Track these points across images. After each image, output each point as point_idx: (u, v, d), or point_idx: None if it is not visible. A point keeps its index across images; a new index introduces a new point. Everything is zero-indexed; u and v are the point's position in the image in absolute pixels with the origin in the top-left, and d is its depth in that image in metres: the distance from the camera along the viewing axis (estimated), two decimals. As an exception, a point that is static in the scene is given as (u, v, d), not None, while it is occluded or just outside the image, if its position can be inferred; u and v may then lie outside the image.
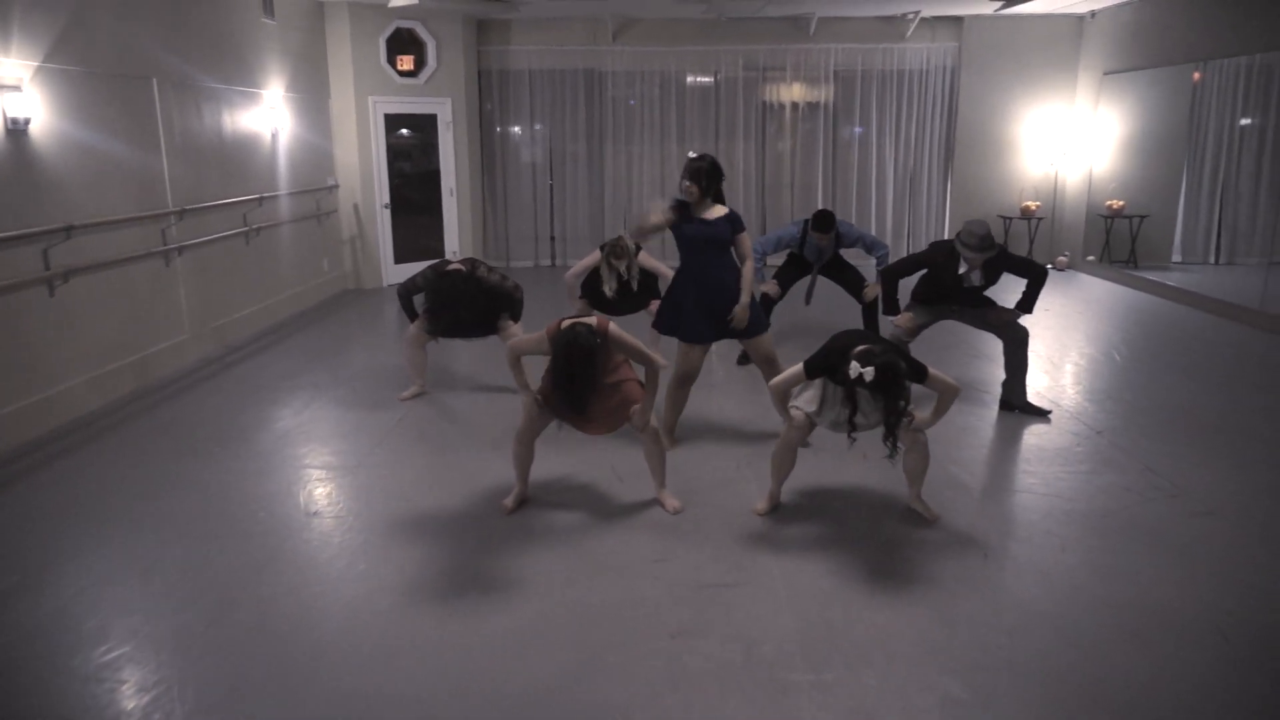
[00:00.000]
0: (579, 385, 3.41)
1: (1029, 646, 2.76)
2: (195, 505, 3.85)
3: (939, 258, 4.88)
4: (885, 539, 3.50)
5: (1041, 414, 4.95)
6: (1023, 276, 4.84)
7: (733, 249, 4.28)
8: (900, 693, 2.54)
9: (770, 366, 4.37)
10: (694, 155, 4.26)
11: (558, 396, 3.50)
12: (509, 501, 3.78)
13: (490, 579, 3.21)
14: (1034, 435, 4.68)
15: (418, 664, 2.71)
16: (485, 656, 2.74)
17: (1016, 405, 5.01)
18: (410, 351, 5.37)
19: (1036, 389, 5.40)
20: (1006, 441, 4.64)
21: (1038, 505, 3.81)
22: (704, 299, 4.26)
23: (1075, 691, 2.55)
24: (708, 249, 4.23)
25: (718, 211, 4.25)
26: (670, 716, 2.46)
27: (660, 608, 3.00)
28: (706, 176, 4.18)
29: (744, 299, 4.23)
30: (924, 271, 4.97)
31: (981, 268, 4.79)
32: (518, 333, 5.25)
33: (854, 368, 3.19)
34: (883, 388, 3.19)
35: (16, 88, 4.60)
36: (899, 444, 3.35)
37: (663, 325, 4.43)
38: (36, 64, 4.75)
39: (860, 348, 3.24)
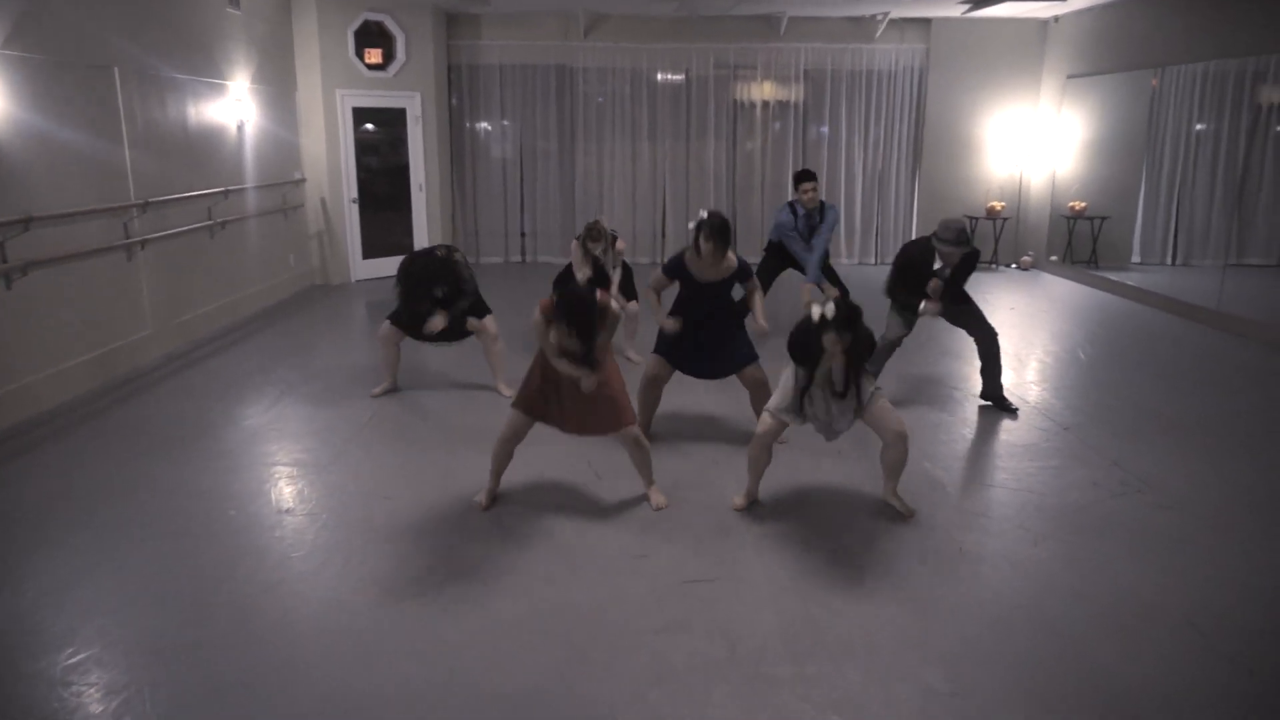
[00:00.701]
0: (584, 335, 3.39)
1: (1007, 638, 2.81)
2: (163, 504, 3.76)
3: (914, 253, 4.95)
4: (863, 534, 3.53)
5: (1009, 410, 5.04)
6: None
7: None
8: (882, 684, 2.56)
9: (761, 390, 4.35)
10: (706, 214, 4.13)
11: (569, 349, 3.47)
12: (481, 498, 3.75)
13: (469, 577, 3.18)
14: (1004, 431, 4.76)
15: (397, 664, 2.67)
16: (467, 655, 2.71)
17: (990, 398, 5.11)
18: (383, 349, 5.30)
19: (1005, 386, 5.48)
20: (977, 437, 4.70)
21: (1010, 500, 3.87)
22: (702, 338, 4.29)
23: (1054, 680, 2.59)
24: (715, 305, 4.28)
25: (729, 263, 4.19)
26: (656, 712, 2.46)
27: (643, 604, 2.99)
28: (720, 233, 4.07)
29: (763, 324, 4.27)
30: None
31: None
32: (490, 327, 5.21)
33: (814, 310, 3.36)
34: (841, 322, 3.31)
35: (-27, 74, 4.45)
36: (862, 401, 3.50)
37: (659, 345, 4.40)
38: (-6, 50, 4.61)
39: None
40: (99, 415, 4.90)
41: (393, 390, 5.36)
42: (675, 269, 4.23)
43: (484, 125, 10.26)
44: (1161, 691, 2.55)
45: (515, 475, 4.03)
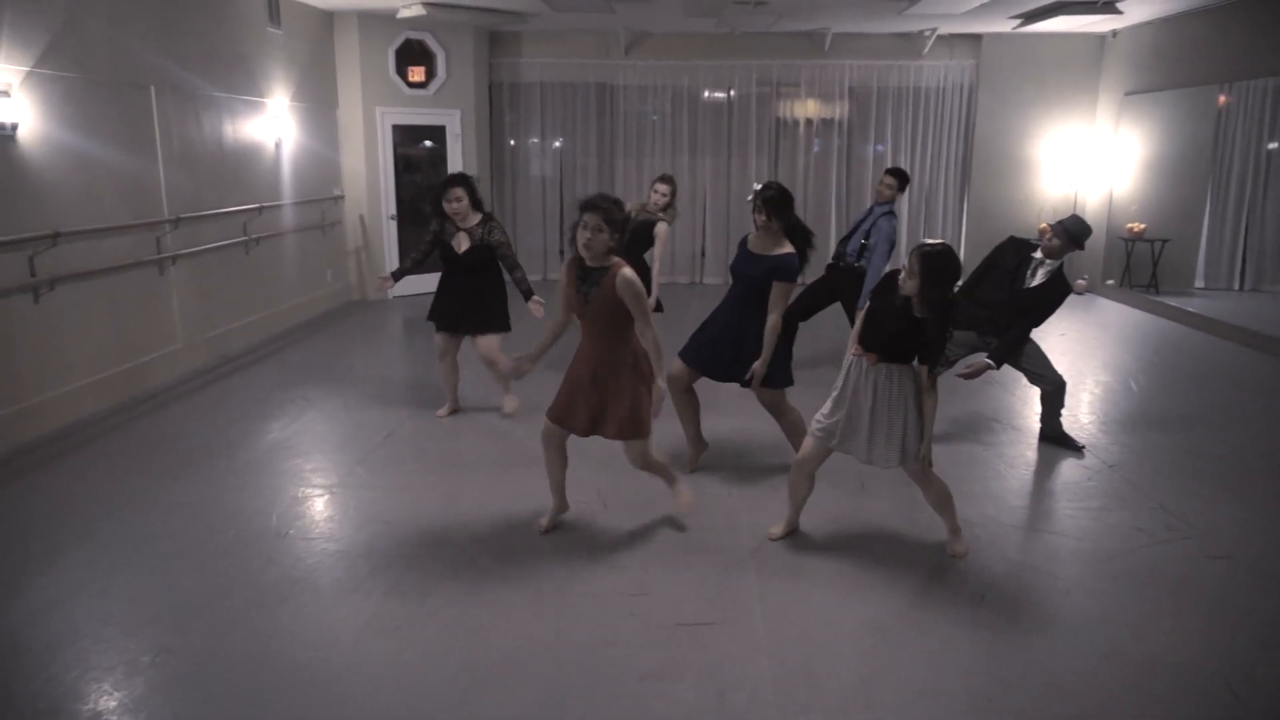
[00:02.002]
0: (613, 226, 3.18)
1: (1024, 699, 2.57)
2: (164, 522, 3.73)
3: (1008, 258, 4.56)
4: (879, 577, 3.30)
5: (1074, 448, 4.70)
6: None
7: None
8: (880, 750, 2.36)
9: (775, 414, 4.19)
10: (762, 185, 3.98)
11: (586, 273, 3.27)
12: (543, 521, 3.66)
13: (455, 611, 3.05)
14: (1044, 469, 4.48)
15: (367, 698, 2.55)
16: (440, 695, 2.58)
17: (1049, 435, 4.78)
18: (441, 368, 5.16)
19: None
20: (1015, 475, 4.43)
21: (1042, 544, 3.61)
22: (722, 335, 4.09)
23: (1071, 754, 2.36)
24: (749, 290, 3.97)
25: (783, 248, 3.92)
26: (630, 769, 2.29)
27: (632, 648, 2.83)
28: (775, 206, 3.86)
29: (764, 355, 3.93)
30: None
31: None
32: (494, 345, 4.99)
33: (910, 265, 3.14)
34: (931, 269, 3.10)
35: (4, 93, 4.53)
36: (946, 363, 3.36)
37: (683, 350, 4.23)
38: (27, 69, 4.69)
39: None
40: (117, 431, 4.93)
41: (456, 411, 5.23)
42: (741, 254, 4.05)
43: (524, 143, 10.26)
44: (1194, 770, 2.30)
45: (519, 503, 3.91)
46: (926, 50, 9.67)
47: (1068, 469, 4.44)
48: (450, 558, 3.44)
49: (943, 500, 3.42)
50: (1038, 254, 4.51)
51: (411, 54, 8.88)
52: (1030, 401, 5.57)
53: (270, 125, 7.25)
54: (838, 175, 10.07)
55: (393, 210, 9.03)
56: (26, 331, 4.72)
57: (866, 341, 3.25)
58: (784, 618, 3.01)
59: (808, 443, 3.44)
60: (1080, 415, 5.33)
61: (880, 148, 10.06)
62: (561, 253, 10.43)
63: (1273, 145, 7.99)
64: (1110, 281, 9.40)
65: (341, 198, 8.71)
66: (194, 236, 6.19)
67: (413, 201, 9.21)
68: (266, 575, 3.29)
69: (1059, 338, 7.53)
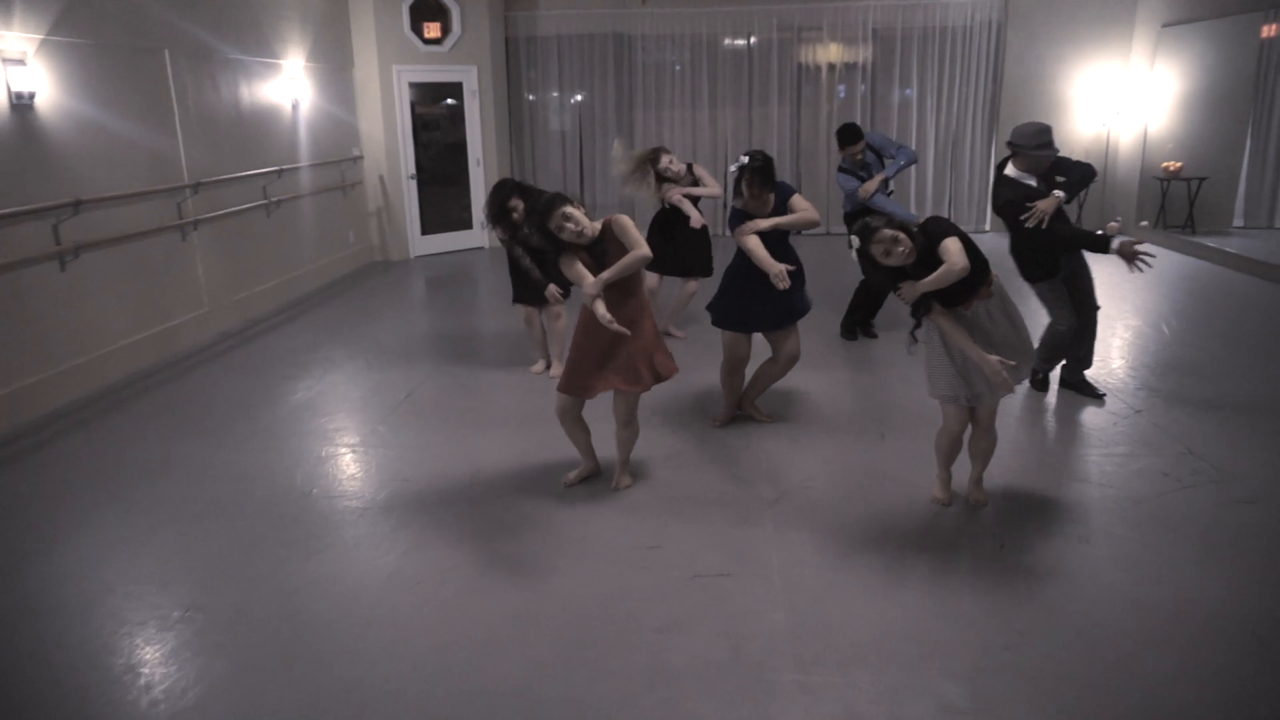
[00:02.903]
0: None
1: (1040, 649, 2.56)
2: (192, 483, 3.81)
3: (1022, 190, 4.23)
4: (898, 528, 3.29)
5: (1095, 394, 4.62)
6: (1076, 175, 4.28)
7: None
8: (893, 698, 2.36)
9: (789, 364, 4.20)
10: (747, 156, 3.95)
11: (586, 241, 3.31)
12: (570, 476, 3.72)
13: (475, 566, 3.09)
14: (1069, 415, 4.41)
15: (388, 654, 2.61)
16: (459, 648, 2.63)
17: (1071, 383, 4.69)
18: (528, 329, 5.29)
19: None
20: (1039, 421, 4.37)
21: (1066, 491, 3.57)
22: (767, 292, 3.97)
23: (1088, 700, 2.34)
24: (776, 246, 3.98)
25: (771, 200, 3.99)
26: (646, 718, 2.32)
27: (648, 600, 2.85)
28: (762, 176, 3.91)
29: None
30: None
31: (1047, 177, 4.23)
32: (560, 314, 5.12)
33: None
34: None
35: (20, 61, 4.55)
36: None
37: (724, 319, 4.15)
38: (41, 37, 4.70)
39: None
40: (146, 394, 5.02)
41: (548, 368, 5.23)
42: (738, 218, 3.98)
43: (542, 97, 10.14)
44: (1214, 715, 2.28)
45: (537, 458, 3.94)
46: (953, -13, 9.35)
47: (1092, 415, 4.36)
48: (470, 513, 3.48)
49: (989, 449, 3.38)
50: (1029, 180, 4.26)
51: (426, 10, 8.77)
52: (1058, 348, 5.47)
53: (286, 87, 7.22)
54: (863, 122, 9.84)
55: (412, 170, 9.00)
56: (55, 299, 4.80)
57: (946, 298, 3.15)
58: (801, 569, 3.01)
59: (946, 411, 3.31)
60: (1111, 360, 5.23)
61: (909, 91, 9.80)
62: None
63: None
64: (1144, 223, 9.15)
65: (361, 158, 8.69)
66: (214, 201, 6.22)
67: (431, 160, 9.18)
68: (292, 533, 3.36)
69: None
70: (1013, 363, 3.07)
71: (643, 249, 3.33)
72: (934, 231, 3.10)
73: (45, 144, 4.74)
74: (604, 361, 3.41)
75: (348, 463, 4.02)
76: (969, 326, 3.15)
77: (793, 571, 3.00)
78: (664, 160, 5.47)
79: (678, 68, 9.93)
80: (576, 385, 3.46)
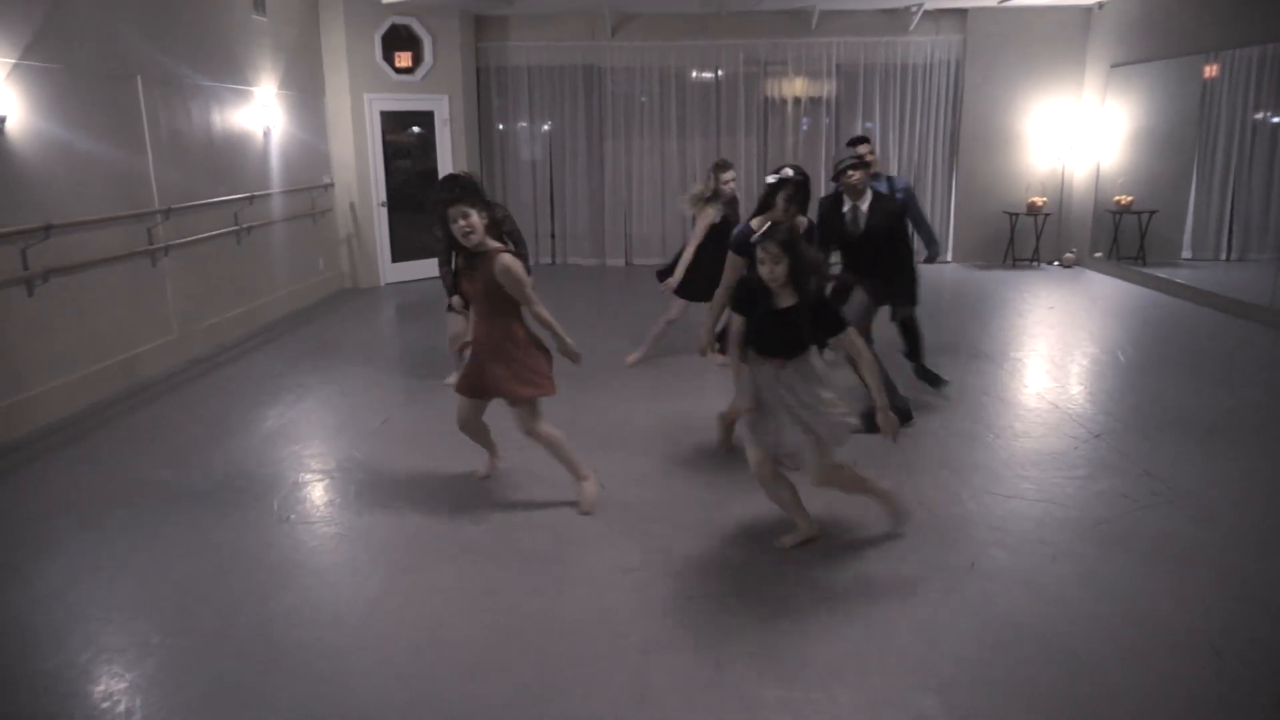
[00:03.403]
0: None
1: (1012, 662, 2.64)
2: (166, 512, 3.77)
3: (824, 206, 4.63)
4: (868, 547, 3.37)
5: (938, 383, 5.10)
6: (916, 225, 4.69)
7: None
8: (871, 710, 2.43)
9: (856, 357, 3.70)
10: (791, 170, 3.64)
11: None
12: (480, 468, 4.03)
13: (454, 588, 3.11)
14: (1031, 439, 4.54)
15: (368, 676, 2.61)
16: (442, 669, 2.64)
17: (919, 375, 5.14)
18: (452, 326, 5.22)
19: (1038, 390, 5.27)
20: (1002, 445, 4.50)
21: (1030, 512, 3.68)
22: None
23: (1060, 711, 2.43)
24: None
25: (800, 224, 3.82)
26: (632, 735, 2.36)
27: (631, 621, 2.89)
28: (804, 193, 3.68)
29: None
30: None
31: (870, 208, 4.48)
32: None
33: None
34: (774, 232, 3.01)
35: (-8, 86, 4.54)
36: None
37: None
38: (13, 61, 4.68)
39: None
40: (115, 421, 4.96)
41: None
42: (745, 243, 3.54)
43: (513, 127, 10.25)
44: (1169, 714, 2.38)
45: (516, 483, 3.97)
46: (913, 26, 9.67)
47: (1054, 440, 4.50)
48: (449, 537, 3.49)
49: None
50: (846, 205, 4.54)
51: (398, 39, 8.85)
52: (1018, 374, 5.65)
53: (258, 114, 7.23)
54: (827, 153, 10.09)
55: (383, 197, 9.03)
56: (22, 324, 4.74)
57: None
58: (779, 589, 3.07)
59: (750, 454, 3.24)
60: (1070, 386, 5.40)
61: (870, 124, 10.08)
62: (553, 236, 10.45)
63: (1258, 115, 8.03)
64: (1098, 254, 9.47)
65: (331, 185, 8.70)
66: (185, 227, 6.19)
67: (402, 188, 9.21)
68: (269, 559, 3.35)
69: (1047, 310, 7.60)
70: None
71: (538, 311, 3.44)
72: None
73: (17, 168, 4.71)
74: (482, 373, 3.57)
75: (325, 488, 4.01)
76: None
77: (771, 592, 3.06)
78: (727, 175, 5.39)
79: (644, 99, 10.11)
80: (466, 386, 3.66)
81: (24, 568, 3.28)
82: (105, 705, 2.50)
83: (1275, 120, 7.58)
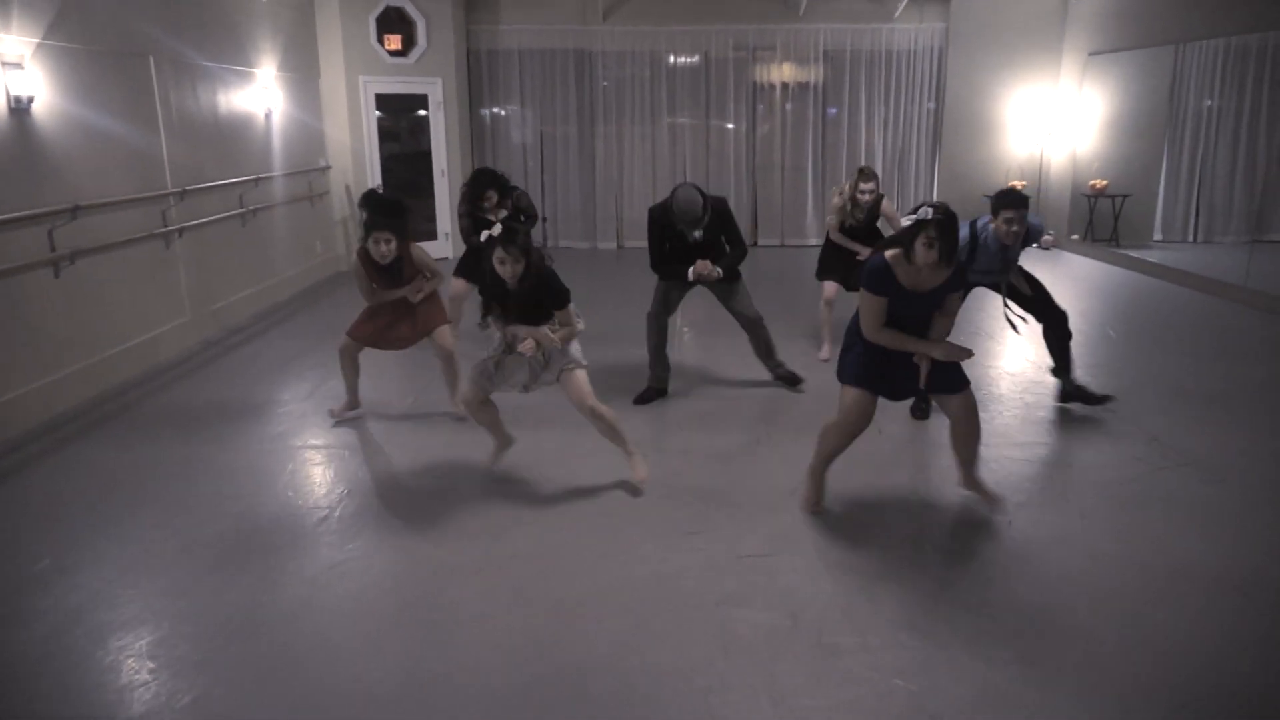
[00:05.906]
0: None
1: (1063, 607, 2.87)
2: (186, 493, 3.79)
3: (656, 222, 4.71)
4: (910, 511, 3.59)
5: (796, 383, 5.06)
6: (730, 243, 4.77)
7: None
8: (946, 653, 2.63)
9: (972, 417, 3.42)
10: (933, 208, 3.14)
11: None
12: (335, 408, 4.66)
13: (527, 553, 3.25)
14: (1041, 410, 4.79)
15: (470, 630, 2.74)
16: (534, 629, 2.78)
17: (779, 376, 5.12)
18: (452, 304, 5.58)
19: (1037, 362, 5.54)
20: (1013, 416, 4.74)
21: (1053, 476, 3.93)
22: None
23: (1111, 646, 2.65)
24: (926, 313, 3.39)
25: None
26: (726, 680, 2.53)
27: (702, 578, 3.06)
28: (951, 239, 3.15)
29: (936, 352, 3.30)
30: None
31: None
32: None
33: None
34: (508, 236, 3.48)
35: (18, 65, 4.51)
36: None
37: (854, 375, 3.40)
38: (37, 41, 4.65)
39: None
40: (139, 403, 4.98)
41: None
42: (884, 283, 3.21)
43: (503, 110, 10.28)
44: (1216, 653, 2.62)
45: (554, 458, 4.10)
46: (898, 13, 9.90)
47: (1065, 411, 4.75)
48: (500, 507, 3.62)
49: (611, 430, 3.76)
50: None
51: (391, 22, 8.83)
52: (1017, 350, 5.91)
53: (260, 96, 7.20)
54: (813, 138, 10.30)
55: (378, 180, 9.02)
56: (49, 305, 4.73)
57: None
58: (834, 550, 3.26)
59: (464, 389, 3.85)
60: (1066, 361, 5.68)
61: (833, 110, 10.27)
62: (544, 219, 10.51)
63: (1221, 103, 8.40)
64: (1075, 236, 9.83)
65: (328, 168, 8.68)
66: (196, 209, 6.18)
67: (397, 170, 9.21)
68: (300, 545, 3.44)
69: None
70: None
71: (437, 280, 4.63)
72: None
73: (43, 149, 4.69)
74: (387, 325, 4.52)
75: (342, 469, 4.10)
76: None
77: (828, 554, 3.24)
78: (867, 185, 5.50)
79: (637, 83, 10.20)
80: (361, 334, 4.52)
81: (36, 560, 3.33)
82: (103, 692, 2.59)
83: (1235, 109, 7.96)
